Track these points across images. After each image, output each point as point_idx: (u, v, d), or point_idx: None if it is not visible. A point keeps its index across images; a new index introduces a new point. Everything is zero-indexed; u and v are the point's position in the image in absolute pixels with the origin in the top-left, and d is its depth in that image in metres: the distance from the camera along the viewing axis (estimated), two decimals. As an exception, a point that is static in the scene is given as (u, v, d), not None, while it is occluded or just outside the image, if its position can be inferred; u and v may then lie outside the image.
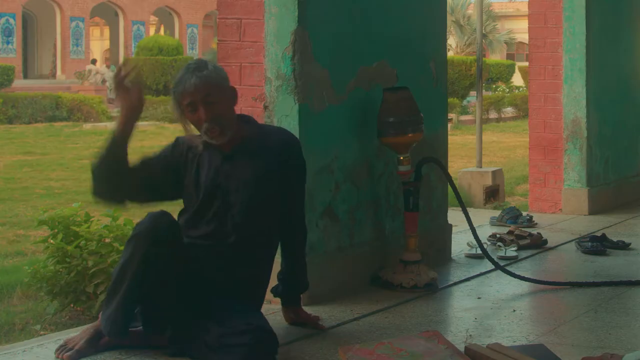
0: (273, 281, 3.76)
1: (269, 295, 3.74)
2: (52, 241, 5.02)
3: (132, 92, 3.34)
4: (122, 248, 4.73)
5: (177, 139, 3.53)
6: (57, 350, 3.34)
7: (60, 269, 4.96)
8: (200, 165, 3.46)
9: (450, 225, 5.35)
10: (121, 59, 35.97)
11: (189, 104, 3.38)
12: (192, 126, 3.47)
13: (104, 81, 31.02)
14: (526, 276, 4.73)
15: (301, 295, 3.89)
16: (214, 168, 3.44)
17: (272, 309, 3.80)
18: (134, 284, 3.22)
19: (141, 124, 22.42)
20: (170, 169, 3.48)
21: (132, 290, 3.23)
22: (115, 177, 3.39)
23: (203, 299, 3.36)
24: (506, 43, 46.77)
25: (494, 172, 10.14)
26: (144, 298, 3.28)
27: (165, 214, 3.30)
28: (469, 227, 4.79)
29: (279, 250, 3.71)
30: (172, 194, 3.54)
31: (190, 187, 3.47)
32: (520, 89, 30.88)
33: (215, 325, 3.24)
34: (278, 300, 3.81)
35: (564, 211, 7.02)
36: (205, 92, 3.36)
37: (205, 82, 3.37)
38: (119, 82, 3.34)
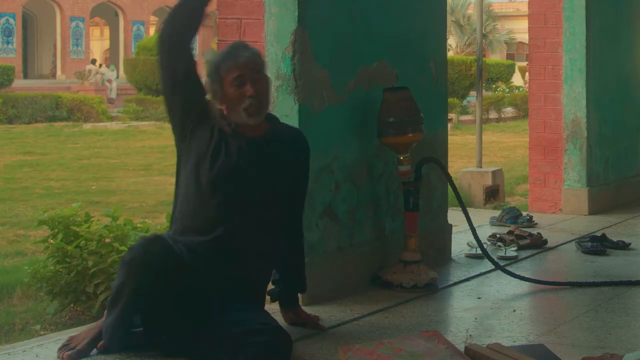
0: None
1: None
2: (52, 241, 5.02)
3: None
4: (122, 248, 4.75)
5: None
6: (59, 348, 3.35)
7: (60, 269, 4.97)
8: (224, 143, 3.42)
9: (450, 225, 5.35)
10: (121, 59, 35.98)
11: (237, 77, 3.39)
12: (219, 107, 3.44)
13: (108, 81, 31.02)
14: (526, 276, 4.73)
15: (302, 295, 3.89)
16: (236, 151, 3.42)
17: (272, 309, 3.79)
18: (129, 306, 3.24)
19: (141, 124, 22.50)
20: (200, 101, 3.45)
21: (128, 310, 3.25)
22: (186, 21, 3.46)
23: (205, 300, 3.35)
24: (506, 43, 46.79)
25: (494, 172, 10.15)
26: (141, 315, 3.29)
27: (157, 239, 3.28)
28: (469, 227, 4.79)
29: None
30: (186, 108, 3.45)
31: (203, 163, 3.40)
32: (520, 89, 30.93)
33: (226, 324, 3.23)
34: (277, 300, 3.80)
35: (564, 211, 7.02)
36: (256, 66, 3.43)
37: (256, 57, 3.46)
38: None
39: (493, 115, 25.72)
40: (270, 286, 3.76)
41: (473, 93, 24.97)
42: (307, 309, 3.89)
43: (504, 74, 35.17)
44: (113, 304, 3.28)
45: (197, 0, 3.49)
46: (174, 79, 3.44)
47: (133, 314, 3.28)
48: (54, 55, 38.56)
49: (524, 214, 6.65)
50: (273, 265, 3.61)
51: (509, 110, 26.99)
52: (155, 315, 3.28)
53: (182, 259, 3.31)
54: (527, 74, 31.44)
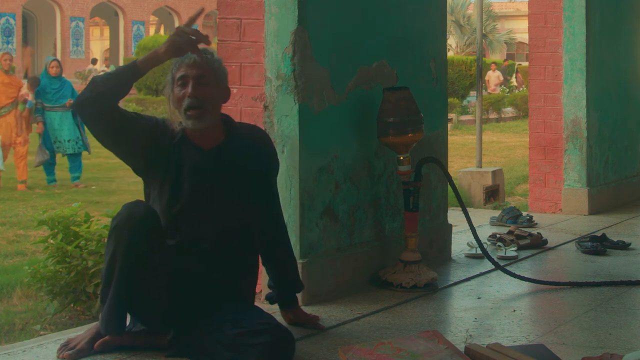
0: (266, 287, 3.77)
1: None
2: (52, 241, 5.02)
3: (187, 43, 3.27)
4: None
5: (164, 120, 3.46)
6: (59, 349, 3.35)
7: (60, 269, 4.97)
8: (179, 164, 3.39)
9: (450, 225, 5.35)
10: (121, 59, 35.98)
11: (181, 77, 3.34)
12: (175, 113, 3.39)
13: None
14: (526, 276, 4.73)
15: (301, 295, 3.89)
16: (193, 169, 3.38)
17: (272, 309, 3.79)
18: (123, 275, 3.22)
19: (141, 124, 22.45)
20: (150, 136, 3.37)
21: (122, 282, 3.23)
22: (107, 95, 3.26)
23: (194, 298, 3.36)
24: (506, 43, 46.78)
25: (494, 172, 10.16)
26: (135, 289, 3.26)
27: (140, 203, 3.30)
28: (469, 227, 4.78)
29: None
30: (138, 157, 3.41)
31: (166, 185, 3.40)
32: (521, 89, 30.90)
33: (226, 324, 3.23)
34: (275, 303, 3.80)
35: (564, 211, 7.03)
36: (202, 71, 3.35)
37: (205, 62, 3.36)
38: (185, 34, 3.26)
39: (493, 115, 25.72)
40: (267, 290, 3.76)
41: (473, 93, 24.98)
42: (307, 309, 3.89)
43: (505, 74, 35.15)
44: (106, 286, 3.26)
45: (125, 77, 3.30)
46: (109, 135, 3.35)
47: (126, 289, 3.24)
48: (54, 55, 38.57)
49: (524, 214, 6.65)
50: (251, 266, 3.56)
51: (509, 110, 26.97)
52: (149, 293, 3.27)
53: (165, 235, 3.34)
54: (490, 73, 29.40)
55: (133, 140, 3.36)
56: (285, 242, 3.71)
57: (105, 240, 4.86)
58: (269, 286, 3.74)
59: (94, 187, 11.65)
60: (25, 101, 11.65)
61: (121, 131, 3.33)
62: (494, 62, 31.04)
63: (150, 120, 3.43)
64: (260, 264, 3.68)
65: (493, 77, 29.26)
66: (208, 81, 3.36)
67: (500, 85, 29.30)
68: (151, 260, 3.25)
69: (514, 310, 4.18)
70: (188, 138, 3.41)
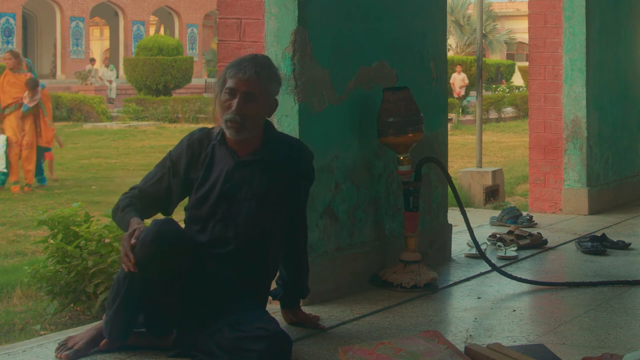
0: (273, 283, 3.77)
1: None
2: (52, 241, 5.02)
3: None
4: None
5: (192, 139, 3.48)
6: (57, 348, 3.35)
7: (60, 269, 4.97)
8: (210, 165, 3.42)
9: (450, 225, 5.35)
10: (121, 59, 35.99)
11: (230, 89, 3.36)
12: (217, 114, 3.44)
13: (109, 81, 31.02)
14: (526, 276, 4.73)
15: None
16: (225, 173, 3.40)
17: (272, 309, 3.79)
18: (137, 289, 3.22)
19: (141, 124, 22.50)
20: (178, 182, 3.45)
21: (133, 294, 3.23)
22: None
23: (207, 300, 3.35)
24: (506, 43, 46.78)
25: (494, 172, 10.16)
26: (147, 303, 3.27)
27: (169, 222, 3.27)
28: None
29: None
30: (185, 194, 3.52)
31: (195, 186, 3.43)
32: (521, 89, 30.91)
33: (226, 327, 3.22)
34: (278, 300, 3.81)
35: (564, 211, 7.03)
36: (252, 88, 3.36)
37: (259, 80, 3.37)
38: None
39: (493, 115, 25.72)
40: (274, 285, 3.76)
41: (473, 93, 24.96)
42: (307, 309, 3.89)
43: (504, 74, 35.18)
44: (116, 293, 3.27)
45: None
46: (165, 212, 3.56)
47: (137, 302, 3.25)
48: (54, 55, 38.55)
49: (524, 214, 6.65)
50: (270, 271, 3.57)
51: (509, 110, 26.95)
52: (162, 308, 3.27)
53: (193, 240, 3.37)
54: (454, 74, 26.99)
55: (178, 196, 3.50)
56: (304, 251, 3.72)
57: (106, 240, 4.90)
58: (277, 283, 3.74)
59: (93, 187, 11.65)
60: (20, 104, 11.51)
61: (168, 204, 3.51)
62: (460, 64, 28.10)
63: (174, 159, 3.47)
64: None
65: (458, 79, 27.28)
66: (255, 98, 3.37)
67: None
68: (169, 279, 3.23)
69: (514, 310, 4.18)
70: (225, 142, 3.43)
